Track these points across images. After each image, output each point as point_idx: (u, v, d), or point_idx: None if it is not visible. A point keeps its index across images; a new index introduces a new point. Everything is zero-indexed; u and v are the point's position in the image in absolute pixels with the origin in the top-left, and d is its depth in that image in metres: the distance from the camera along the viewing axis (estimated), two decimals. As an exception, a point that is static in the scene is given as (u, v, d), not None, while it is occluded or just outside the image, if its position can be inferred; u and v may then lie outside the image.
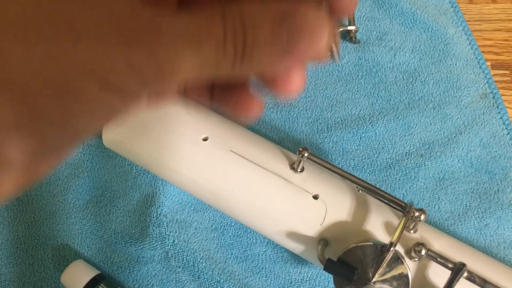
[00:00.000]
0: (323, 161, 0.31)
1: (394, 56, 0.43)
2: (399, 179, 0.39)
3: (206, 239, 0.38)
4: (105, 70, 0.12)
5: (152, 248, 0.37)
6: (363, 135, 0.40)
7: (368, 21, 0.45)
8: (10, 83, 0.11)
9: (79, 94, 0.12)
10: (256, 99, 0.18)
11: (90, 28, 0.11)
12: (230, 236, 0.38)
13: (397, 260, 0.28)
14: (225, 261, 0.37)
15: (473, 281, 0.27)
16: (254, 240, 0.38)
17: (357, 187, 0.32)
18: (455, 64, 0.42)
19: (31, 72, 0.11)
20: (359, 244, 0.28)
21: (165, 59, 0.12)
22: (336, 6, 0.14)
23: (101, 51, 0.12)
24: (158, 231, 0.37)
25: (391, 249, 0.27)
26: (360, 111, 0.41)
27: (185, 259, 0.36)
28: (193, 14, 0.13)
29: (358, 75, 0.43)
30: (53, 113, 0.12)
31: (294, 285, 0.36)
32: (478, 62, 0.42)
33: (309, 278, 0.36)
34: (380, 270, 0.27)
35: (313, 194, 0.31)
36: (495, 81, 0.42)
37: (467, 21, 0.44)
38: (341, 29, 0.43)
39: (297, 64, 0.15)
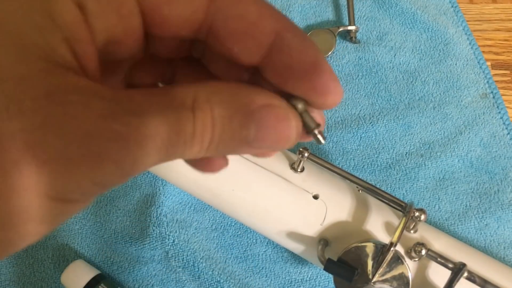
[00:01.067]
0: (323, 161, 0.31)
1: (394, 56, 0.43)
2: (399, 179, 0.39)
3: (206, 239, 0.38)
4: (68, 191, 0.12)
5: (152, 248, 0.37)
6: (363, 135, 0.40)
7: (368, 21, 0.45)
8: None
9: (33, 216, 0.12)
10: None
11: (52, 154, 0.11)
12: (230, 236, 0.38)
13: (397, 260, 0.28)
14: (225, 261, 0.37)
15: (473, 281, 0.27)
16: (254, 240, 0.38)
17: (357, 187, 0.32)
18: (455, 64, 0.42)
19: None
20: (359, 244, 0.28)
21: (131, 166, 0.12)
22: (315, 103, 0.14)
23: (65, 174, 0.11)
24: (158, 231, 0.37)
25: (391, 249, 0.27)
26: (360, 111, 0.41)
27: (185, 259, 0.36)
28: (161, 111, 0.12)
29: (358, 75, 0.43)
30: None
31: (294, 285, 0.36)
32: (478, 62, 0.42)
33: (309, 278, 0.36)
34: (380, 270, 0.27)
35: (313, 194, 0.31)
36: (495, 81, 0.42)
37: (467, 21, 0.44)
38: (341, 29, 0.43)
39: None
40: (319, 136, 0.15)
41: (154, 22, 0.14)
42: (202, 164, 0.17)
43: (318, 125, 0.15)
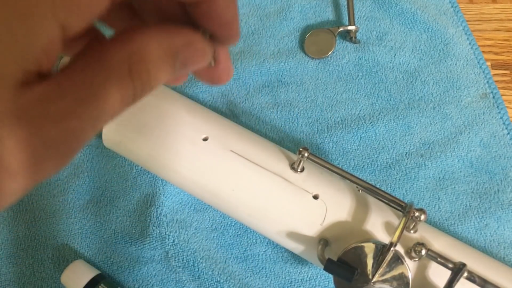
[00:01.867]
0: (323, 161, 0.31)
1: (394, 56, 0.43)
2: (399, 179, 0.39)
3: (206, 239, 0.38)
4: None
5: (152, 248, 0.37)
6: (363, 135, 0.40)
7: (368, 21, 0.45)
8: None
9: None
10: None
11: None
12: (230, 236, 0.38)
13: (397, 260, 0.28)
14: (225, 261, 0.37)
15: (473, 281, 0.27)
16: (254, 240, 0.38)
17: (357, 187, 0.32)
18: (455, 64, 0.42)
19: None
20: (359, 244, 0.28)
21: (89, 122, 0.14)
22: (220, 36, 0.18)
23: None
24: (158, 231, 0.37)
25: (391, 249, 0.27)
26: (360, 111, 0.41)
27: (185, 259, 0.36)
28: (102, 86, 0.14)
29: (358, 75, 0.43)
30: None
31: (294, 285, 0.36)
32: (478, 62, 0.42)
33: (309, 278, 0.36)
34: (380, 270, 0.27)
35: (313, 194, 0.31)
36: (495, 81, 0.42)
37: (467, 21, 0.44)
38: (341, 29, 0.43)
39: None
40: (212, 60, 0.20)
41: None
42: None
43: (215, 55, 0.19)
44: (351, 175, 0.31)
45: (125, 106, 0.15)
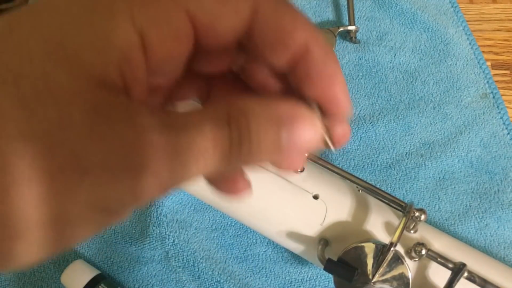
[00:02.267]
0: (323, 161, 0.31)
1: (394, 56, 0.43)
2: (399, 179, 0.39)
3: (206, 239, 0.38)
4: (109, 201, 0.12)
5: (152, 248, 0.37)
6: (363, 135, 0.40)
7: (368, 21, 0.45)
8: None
9: (76, 223, 0.12)
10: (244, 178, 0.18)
11: (96, 163, 0.12)
12: (230, 236, 0.38)
13: (397, 260, 0.28)
14: (225, 261, 0.37)
15: (473, 281, 0.27)
16: (254, 240, 0.38)
17: (357, 187, 0.32)
18: (455, 64, 0.42)
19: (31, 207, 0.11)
20: (359, 244, 0.28)
21: (170, 181, 0.13)
22: (329, 110, 0.16)
23: (107, 185, 0.12)
24: (158, 231, 0.37)
25: (391, 249, 0.27)
26: (360, 111, 0.41)
27: (185, 259, 0.36)
28: (198, 125, 0.13)
29: (358, 75, 0.43)
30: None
31: (294, 285, 0.36)
32: (478, 62, 0.42)
33: (309, 278, 0.36)
34: (380, 270, 0.27)
35: (313, 194, 0.31)
36: (495, 81, 0.42)
37: (467, 21, 0.44)
38: (341, 29, 0.43)
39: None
40: (328, 141, 0.17)
41: (205, 37, 0.14)
42: (226, 185, 0.18)
43: (328, 130, 0.17)
44: (351, 175, 0.31)
45: (218, 158, 0.14)
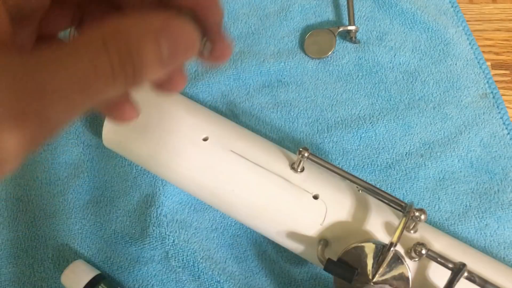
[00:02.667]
0: (323, 161, 0.31)
1: (394, 56, 0.43)
2: (399, 179, 0.39)
3: (206, 239, 0.38)
4: None
5: (152, 248, 0.37)
6: (363, 135, 0.40)
7: (368, 21, 0.45)
8: None
9: None
10: None
11: None
12: (230, 236, 0.38)
13: (397, 260, 0.28)
14: (225, 261, 0.37)
15: (473, 281, 0.27)
16: (254, 240, 0.38)
17: (357, 187, 0.32)
18: (455, 64, 0.42)
19: None
20: (359, 244, 0.28)
21: (56, 118, 0.13)
22: (203, 20, 0.17)
23: None
24: (158, 231, 0.37)
25: (391, 249, 0.27)
26: (360, 111, 0.41)
27: (185, 259, 0.36)
28: (74, 56, 0.13)
29: (358, 75, 0.43)
30: None
31: (294, 285, 0.36)
32: (478, 62, 0.42)
33: (309, 278, 0.36)
34: (380, 270, 0.27)
35: (313, 194, 0.31)
36: (495, 81, 0.42)
37: (467, 21, 0.44)
38: (341, 29, 0.43)
39: (176, 69, 0.17)
40: (205, 44, 0.18)
41: None
42: (114, 112, 0.19)
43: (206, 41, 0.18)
44: (351, 175, 0.31)
45: (103, 84, 0.14)
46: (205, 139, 0.34)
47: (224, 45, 0.19)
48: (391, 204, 0.30)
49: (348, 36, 0.44)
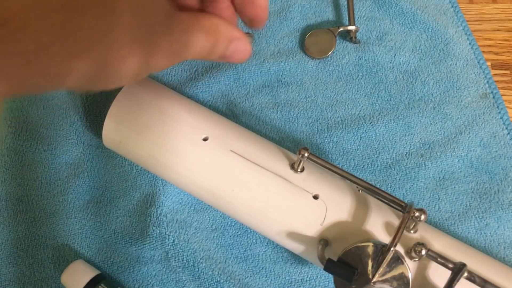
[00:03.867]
0: (323, 161, 0.31)
1: (394, 56, 0.43)
2: (399, 179, 0.39)
3: (206, 239, 0.38)
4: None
5: (152, 248, 0.37)
6: (363, 135, 0.40)
7: (368, 21, 0.45)
8: None
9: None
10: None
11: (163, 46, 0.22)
12: (230, 236, 0.38)
13: (397, 260, 0.28)
14: (225, 261, 0.37)
15: (473, 281, 0.27)
16: (254, 240, 0.38)
17: (357, 187, 0.32)
18: (455, 64, 0.42)
19: None
20: (359, 244, 0.28)
21: (179, 54, 0.23)
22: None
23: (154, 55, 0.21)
24: (158, 231, 0.37)
25: (391, 249, 0.27)
26: (360, 111, 0.41)
27: (185, 259, 0.36)
28: (200, 32, 0.24)
29: (358, 75, 0.43)
30: None
31: (294, 285, 0.36)
32: (478, 62, 0.42)
33: (309, 278, 0.36)
34: (380, 270, 0.27)
35: (313, 194, 0.31)
36: (495, 81, 0.42)
37: (467, 21, 0.44)
38: (341, 29, 0.43)
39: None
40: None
41: None
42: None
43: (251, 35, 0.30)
44: (351, 175, 0.31)
45: (203, 53, 0.24)
46: (205, 139, 0.34)
47: (255, 6, 0.28)
48: (391, 204, 0.30)
49: (348, 36, 0.44)
